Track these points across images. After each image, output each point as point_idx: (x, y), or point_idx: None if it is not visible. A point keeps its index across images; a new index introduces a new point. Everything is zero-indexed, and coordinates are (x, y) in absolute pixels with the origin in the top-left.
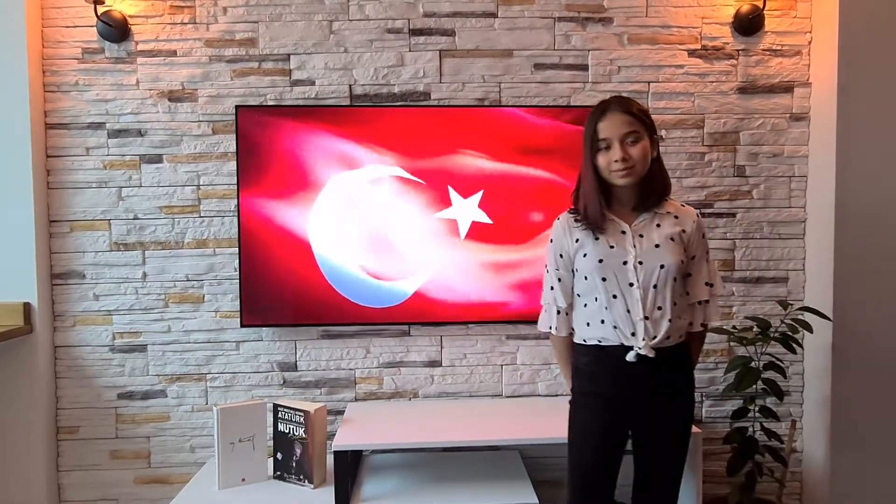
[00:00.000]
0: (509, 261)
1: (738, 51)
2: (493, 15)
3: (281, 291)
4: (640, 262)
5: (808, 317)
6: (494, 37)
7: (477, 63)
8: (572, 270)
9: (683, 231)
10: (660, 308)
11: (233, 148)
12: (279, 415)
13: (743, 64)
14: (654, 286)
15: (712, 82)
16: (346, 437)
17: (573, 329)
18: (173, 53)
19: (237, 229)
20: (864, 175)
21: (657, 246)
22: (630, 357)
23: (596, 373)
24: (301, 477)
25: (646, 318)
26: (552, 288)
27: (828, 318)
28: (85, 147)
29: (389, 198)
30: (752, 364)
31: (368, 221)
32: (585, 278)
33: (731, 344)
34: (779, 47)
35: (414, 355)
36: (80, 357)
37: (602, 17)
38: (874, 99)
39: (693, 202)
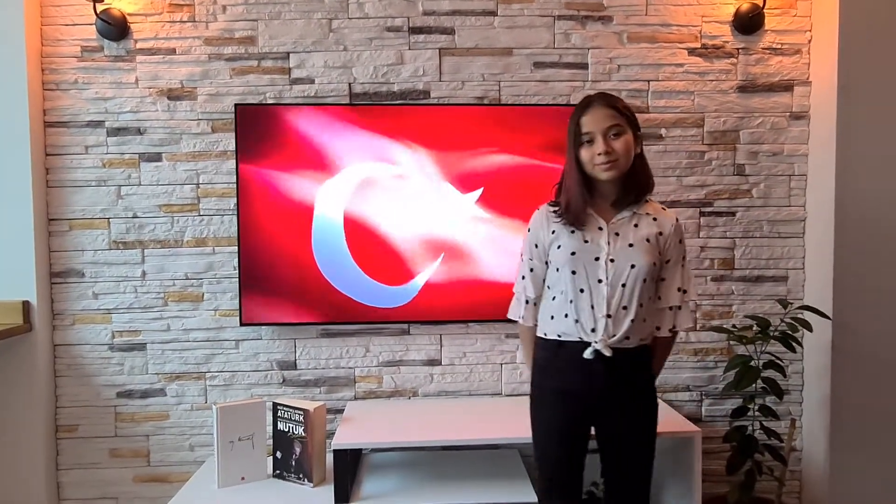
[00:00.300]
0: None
1: (737, 49)
2: (493, 13)
3: (281, 290)
4: (612, 260)
5: (807, 315)
6: (494, 35)
7: (476, 61)
8: (546, 262)
9: (661, 234)
10: (625, 308)
11: (232, 146)
12: (279, 413)
13: (743, 62)
14: (623, 285)
15: (712, 81)
16: (346, 436)
17: (538, 321)
18: (172, 51)
19: (236, 228)
20: (863, 174)
21: (631, 245)
22: (587, 354)
23: (553, 368)
24: (300, 476)
25: (609, 315)
26: (524, 277)
27: (827, 317)
28: (84, 145)
29: (390, 196)
30: (752, 363)
31: (369, 221)
32: (557, 270)
33: (731, 343)
34: (779, 46)
35: (413, 354)
36: (80, 356)
37: (602, 15)
38: (874, 98)
39: (693, 201)
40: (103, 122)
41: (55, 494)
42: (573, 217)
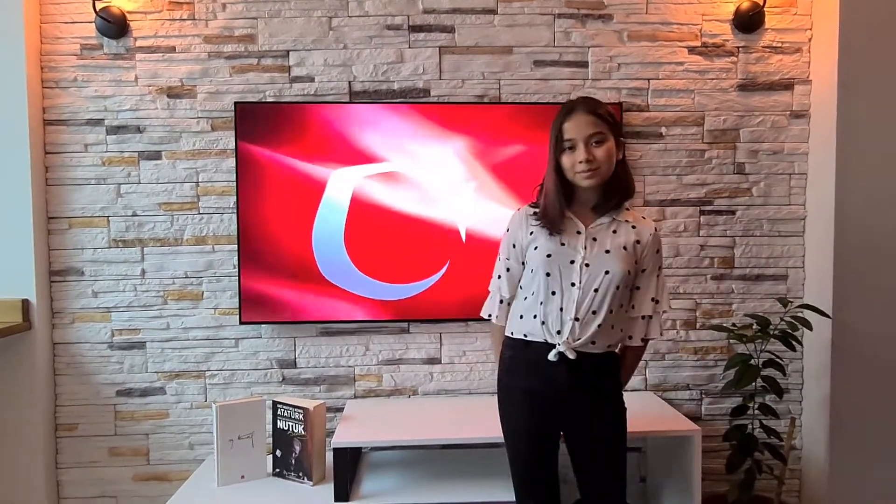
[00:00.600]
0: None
1: (738, 48)
2: (493, 11)
3: (280, 288)
4: (587, 265)
5: (807, 314)
6: (494, 33)
7: (476, 60)
8: (522, 263)
9: (638, 242)
10: (594, 312)
11: (232, 144)
12: (278, 412)
13: (743, 61)
14: (595, 290)
15: (712, 79)
16: (346, 435)
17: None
18: (172, 50)
19: (236, 226)
20: (864, 172)
21: (608, 252)
22: (551, 356)
23: (519, 367)
24: (300, 474)
25: (577, 318)
26: (500, 277)
27: (827, 316)
28: (83, 143)
29: (390, 197)
30: (752, 361)
31: (370, 220)
32: (532, 271)
33: (731, 341)
34: (779, 44)
35: (413, 352)
36: (79, 354)
37: (602, 13)
38: (874, 96)
39: (693, 199)
40: (103, 120)
41: (55, 493)
42: (549, 222)
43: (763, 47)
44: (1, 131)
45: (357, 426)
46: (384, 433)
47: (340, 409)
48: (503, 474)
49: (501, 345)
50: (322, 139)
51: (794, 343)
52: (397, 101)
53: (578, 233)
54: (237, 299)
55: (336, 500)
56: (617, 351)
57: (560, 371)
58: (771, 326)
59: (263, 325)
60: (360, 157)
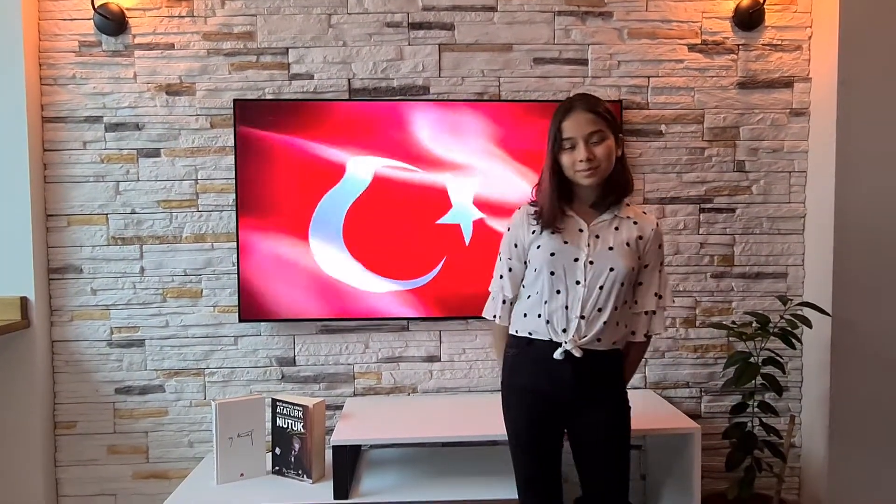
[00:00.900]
0: None
1: (738, 45)
2: (493, 9)
3: (280, 286)
4: (591, 262)
5: (807, 312)
6: (494, 31)
7: (476, 57)
8: (525, 262)
9: (640, 237)
10: (599, 310)
11: (231, 142)
12: (278, 410)
13: (743, 59)
14: (600, 287)
15: (712, 77)
16: (345, 432)
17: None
18: (171, 47)
19: (235, 224)
20: (863, 170)
21: (611, 249)
22: (557, 354)
23: (522, 366)
24: (300, 472)
25: (582, 317)
26: (501, 277)
27: (827, 314)
28: (82, 141)
29: (393, 195)
30: (752, 359)
31: (370, 220)
32: (535, 270)
33: (731, 339)
34: (779, 42)
35: (413, 350)
36: (78, 352)
37: (602, 11)
38: (874, 94)
39: (693, 197)
40: (101, 117)
41: (54, 491)
42: (546, 222)
43: (763, 45)
44: None
45: (356, 424)
46: (384, 431)
47: (340, 407)
48: (503, 472)
49: (504, 343)
50: (335, 128)
51: (793, 341)
52: (397, 98)
53: (581, 231)
54: (236, 297)
55: (335, 498)
56: (620, 348)
57: (565, 369)
58: (770, 324)
59: (263, 323)
60: (367, 149)
